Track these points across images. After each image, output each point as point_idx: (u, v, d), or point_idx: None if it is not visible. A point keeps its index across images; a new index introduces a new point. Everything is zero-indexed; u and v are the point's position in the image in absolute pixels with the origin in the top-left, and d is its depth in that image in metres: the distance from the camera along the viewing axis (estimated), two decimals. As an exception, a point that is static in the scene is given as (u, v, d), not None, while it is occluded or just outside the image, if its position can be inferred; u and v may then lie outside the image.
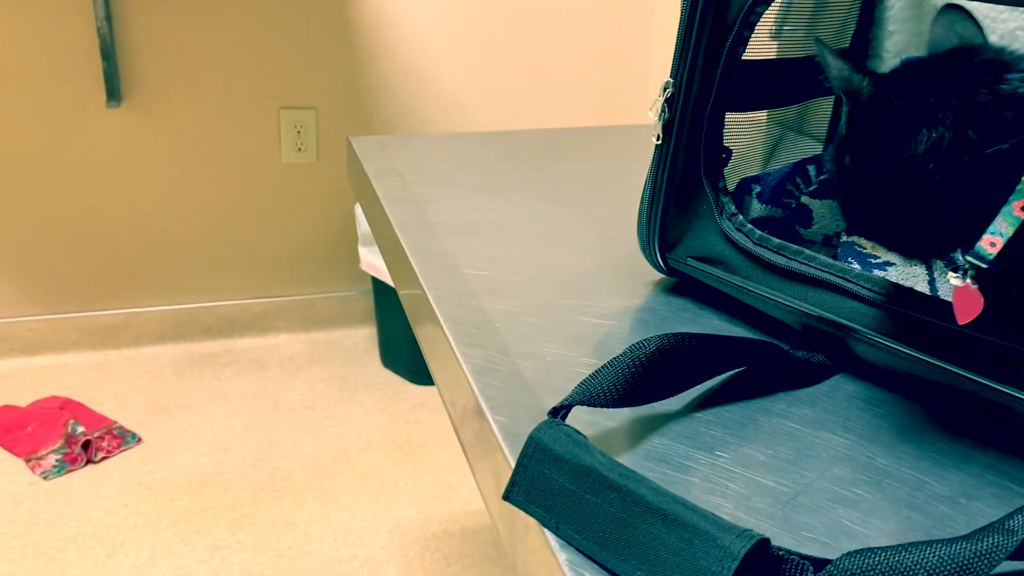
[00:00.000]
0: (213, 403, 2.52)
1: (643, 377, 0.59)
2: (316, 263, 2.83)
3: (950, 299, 0.67)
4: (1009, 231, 0.51)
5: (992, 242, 0.51)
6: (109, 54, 2.36)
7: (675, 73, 0.73)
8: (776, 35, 0.90)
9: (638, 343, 0.60)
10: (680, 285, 0.83)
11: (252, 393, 2.58)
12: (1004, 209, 0.51)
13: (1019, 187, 0.50)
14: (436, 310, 0.77)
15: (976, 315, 0.54)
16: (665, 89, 0.74)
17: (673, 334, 0.61)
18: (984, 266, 0.52)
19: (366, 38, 2.53)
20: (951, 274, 0.55)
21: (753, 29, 0.69)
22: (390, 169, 1.17)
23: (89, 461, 2.23)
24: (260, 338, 2.83)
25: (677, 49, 0.73)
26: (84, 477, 2.18)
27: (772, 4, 0.68)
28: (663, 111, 0.74)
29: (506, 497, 0.52)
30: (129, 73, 2.44)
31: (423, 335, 0.83)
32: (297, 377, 2.67)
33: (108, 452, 2.26)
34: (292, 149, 2.66)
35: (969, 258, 0.53)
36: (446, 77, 2.62)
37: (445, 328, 0.74)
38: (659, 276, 0.84)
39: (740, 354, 0.65)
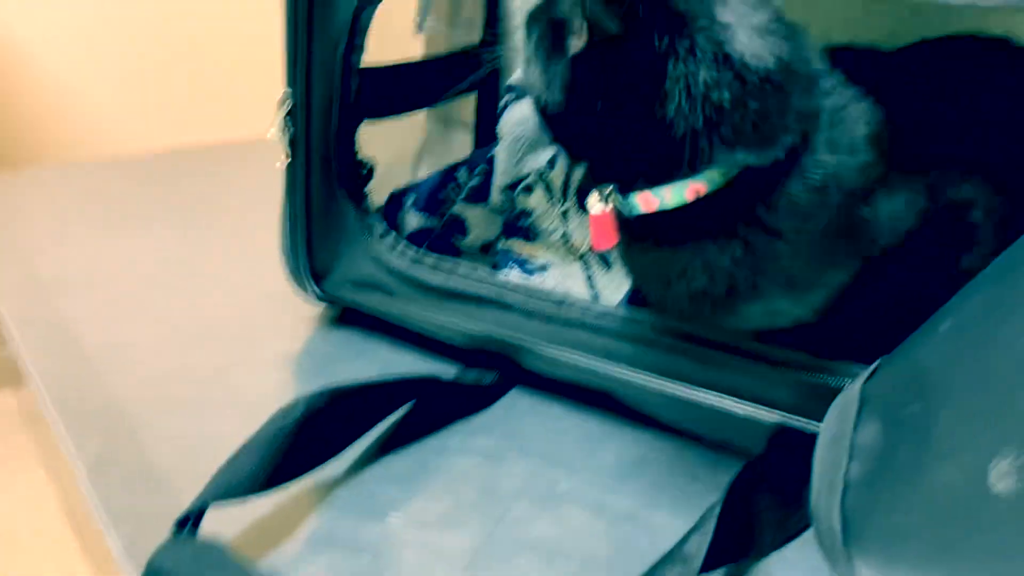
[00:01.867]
0: None
1: (294, 448, 0.50)
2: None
3: (609, 296, 0.66)
4: (669, 204, 0.48)
5: (648, 201, 0.48)
6: None
7: (291, 82, 0.64)
8: (420, 29, 0.85)
9: (282, 410, 0.51)
10: (344, 315, 0.74)
11: None
12: (679, 183, 0.47)
13: (700, 174, 0.47)
14: (41, 388, 0.62)
15: (610, 245, 0.51)
16: (283, 102, 0.65)
17: (322, 391, 0.53)
18: (628, 215, 0.49)
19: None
20: (595, 196, 0.50)
21: (366, 33, 0.62)
22: (-11, 218, 0.96)
23: None
24: None
25: (288, 55, 0.64)
26: None
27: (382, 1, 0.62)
28: (286, 126, 0.65)
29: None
30: None
31: (31, 424, 0.67)
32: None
33: None
34: None
35: (620, 200, 0.49)
36: (75, 93, 2.26)
37: (53, 412, 0.59)
38: (320, 307, 0.75)
39: (404, 392, 0.58)
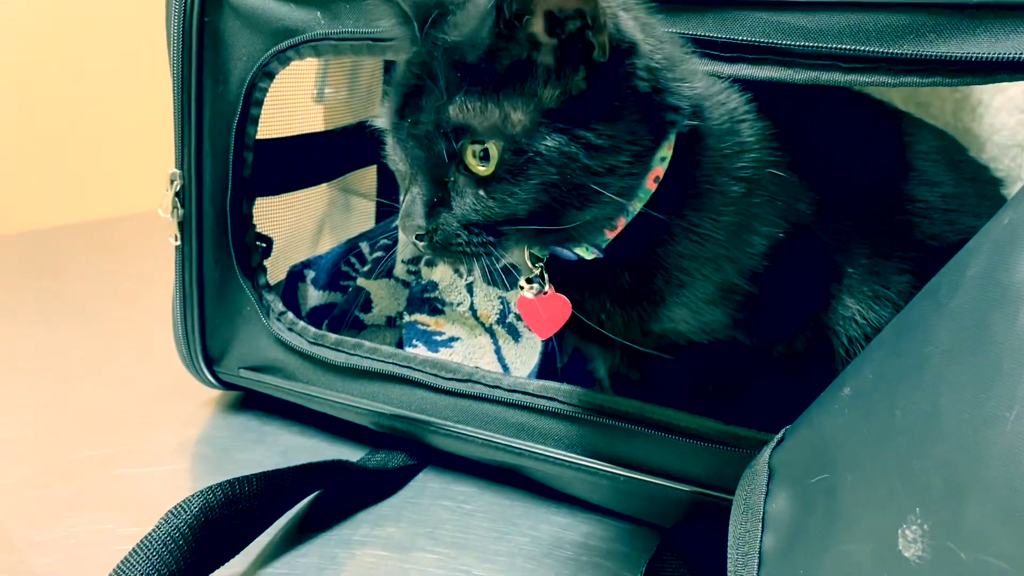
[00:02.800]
0: None
1: (191, 548, 0.47)
2: None
3: (518, 369, 0.65)
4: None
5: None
6: None
7: (181, 163, 0.62)
8: (319, 100, 0.84)
9: (176, 508, 0.48)
10: (243, 399, 0.71)
11: None
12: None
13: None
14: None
15: (566, 320, 0.50)
16: (172, 181, 0.62)
17: (220, 485, 0.49)
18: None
19: None
20: (524, 285, 0.49)
21: (261, 106, 0.61)
22: None
23: None
24: None
25: (177, 134, 0.62)
26: None
27: (276, 76, 0.60)
28: (175, 207, 0.63)
29: None
30: None
31: None
32: None
33: None
34: None
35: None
36: None
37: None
38: (217, 392, 0.72)
39: (308, 481, 0.55)
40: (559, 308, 0.50)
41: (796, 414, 0.42)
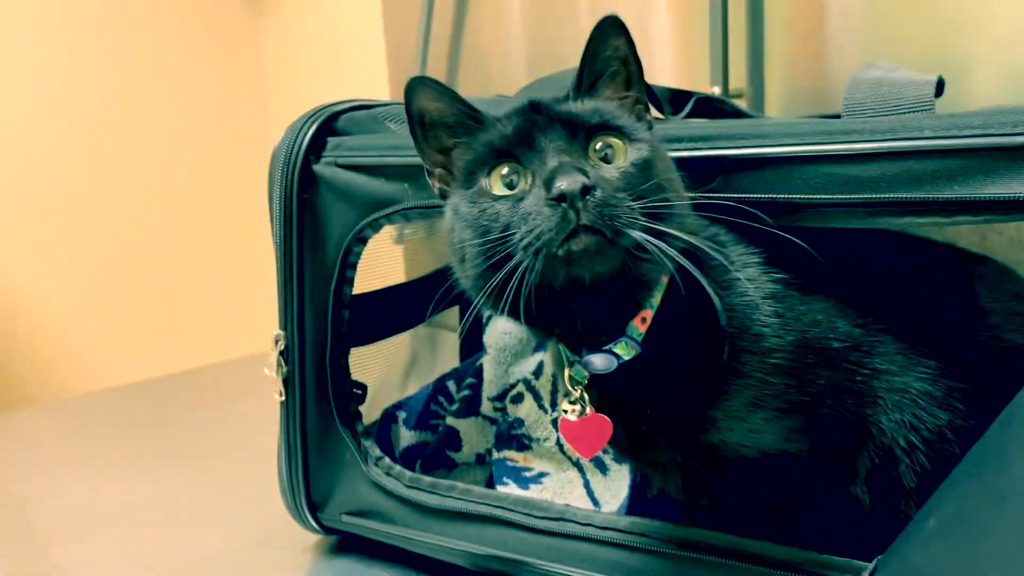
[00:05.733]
0: None
1: None
2: None
3: (608, 503, 0.67)
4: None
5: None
6: None
7: (284, 324, 0.67)
8: (399, 241, 0.90)
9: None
10: (344, 541, 0.74)
11: None
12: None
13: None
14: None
15: (608, 439, 0.52)
16: (277, 342, 0.68)
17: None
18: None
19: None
20: (567, 408, 0.52)
21: (355, 269, 0.67)
22: (-21, 467, 0.96)
23: None
24: None
25: (281, 298, 0.67)
26: None
27: (368, 240, 0.66)
28: (280, 365, 0.68)
29: None
30: None
31: None
32: None
33: None
34: None
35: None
36: (56, 333, 2.14)
37: None
38: (317, 536, 0.75)
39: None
40: (601, 428, 0.53)
41: (867, 532, 0.43)
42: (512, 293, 0.45)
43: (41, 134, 1.91)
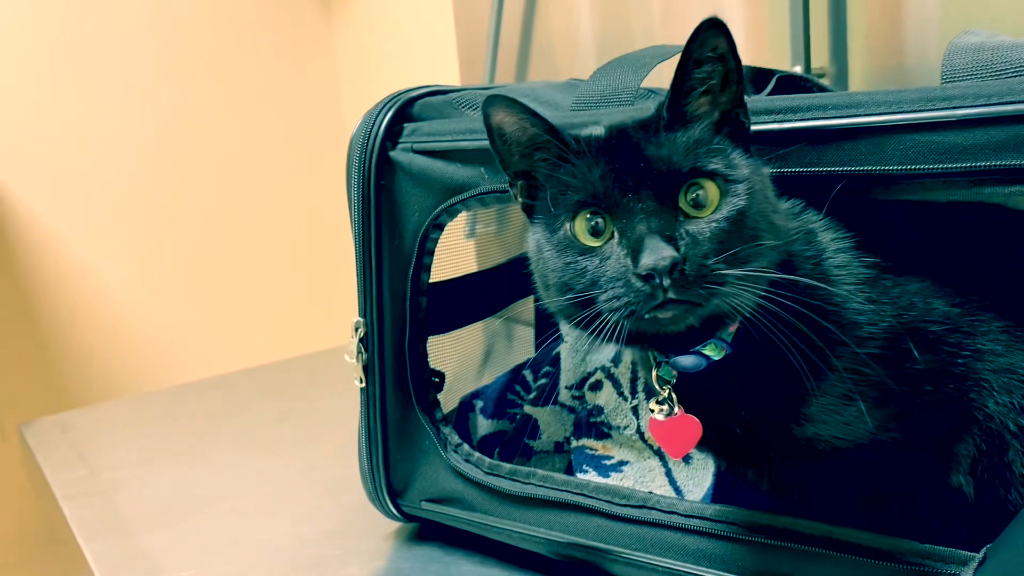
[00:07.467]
0: None
1: None
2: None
3: (692, 491, 0.66)
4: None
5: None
6: None
7: (364, 311, 0.68)
8: (470, 236, 0.89)
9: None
10: (423, 529, 0.74)
11: None
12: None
13: None
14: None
15: (697, 440, 0.51)
16: (357, 329, 0.68)
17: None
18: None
19: (35, 290, 2.11)
20: (655, 408, 0.52)
21: (432, 255, 0.66)
22: (71, 455, 1.00)
23: None
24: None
25: (360, 285, 0.68)
26: None
27: (445, 226, 0.66)
28: (359, 352, 0.68)
29: None
30: None
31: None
32: None
33: None
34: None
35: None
36: (141, 326, 2.24)
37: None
38: (397, 524, 0.75)
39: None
40: (690, 429, 0.52)
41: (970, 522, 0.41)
42: (599, 329, 0.46)
43: (127, 133, 2.00)
